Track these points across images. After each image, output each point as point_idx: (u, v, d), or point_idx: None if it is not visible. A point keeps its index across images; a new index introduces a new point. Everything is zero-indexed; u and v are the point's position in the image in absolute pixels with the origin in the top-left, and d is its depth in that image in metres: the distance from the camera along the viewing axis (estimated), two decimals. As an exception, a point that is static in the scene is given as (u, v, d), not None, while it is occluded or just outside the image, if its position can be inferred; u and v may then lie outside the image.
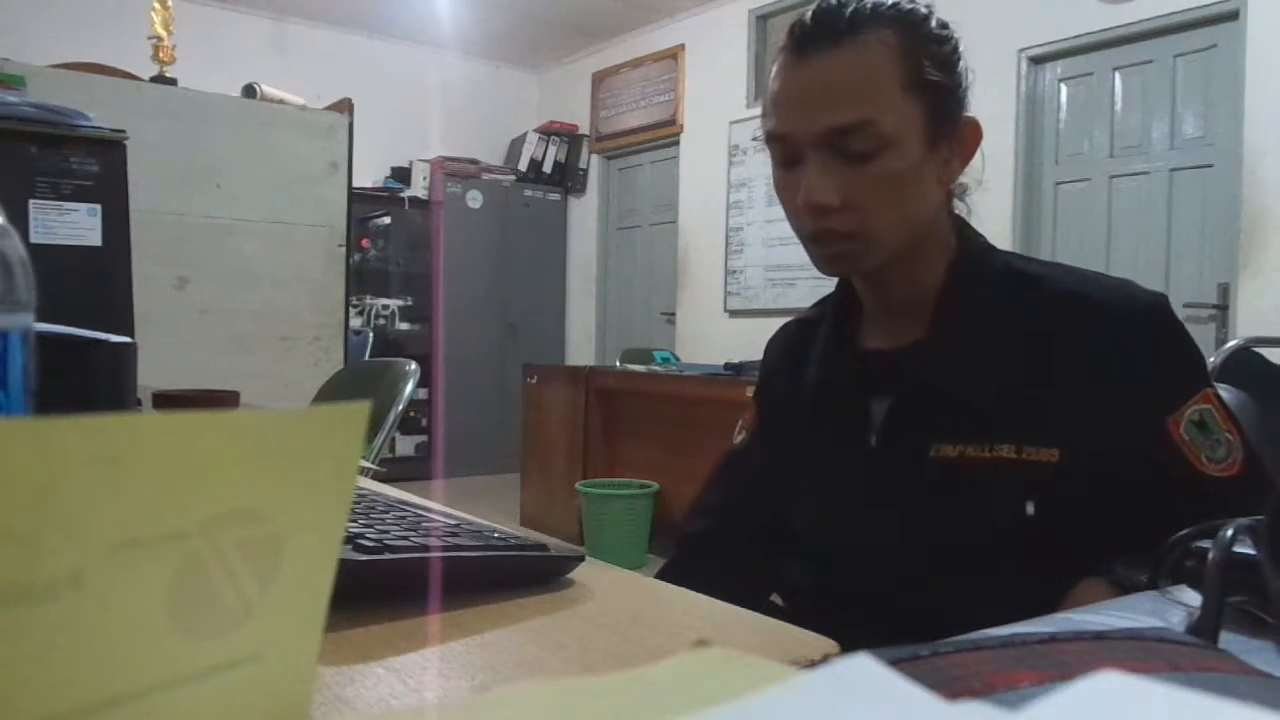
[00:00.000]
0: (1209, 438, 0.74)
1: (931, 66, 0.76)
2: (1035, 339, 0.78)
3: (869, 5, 0.77)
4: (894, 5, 0.78)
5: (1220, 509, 0.73)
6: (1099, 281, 0.80)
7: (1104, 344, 0.75)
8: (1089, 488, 0.74)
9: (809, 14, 0.78)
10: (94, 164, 1.68)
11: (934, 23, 0.79)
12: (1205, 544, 0.47)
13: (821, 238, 0.78)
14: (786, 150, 0.78)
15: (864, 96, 0.74)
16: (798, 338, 0.97)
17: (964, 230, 0.85)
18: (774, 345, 1.03)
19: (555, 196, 6.43)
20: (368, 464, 1.34)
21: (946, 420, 0.78)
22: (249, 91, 3.21)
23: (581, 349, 6.38)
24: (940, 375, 0.79)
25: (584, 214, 6.43)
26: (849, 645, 0.82)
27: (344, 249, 3.23)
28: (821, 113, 0.75)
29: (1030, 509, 0.74)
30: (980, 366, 0.78)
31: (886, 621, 0.80)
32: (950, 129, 0.78)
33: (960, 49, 0.80)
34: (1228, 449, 0.74)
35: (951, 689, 0.28)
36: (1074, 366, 0.76)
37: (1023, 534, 0.75)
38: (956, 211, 0.85)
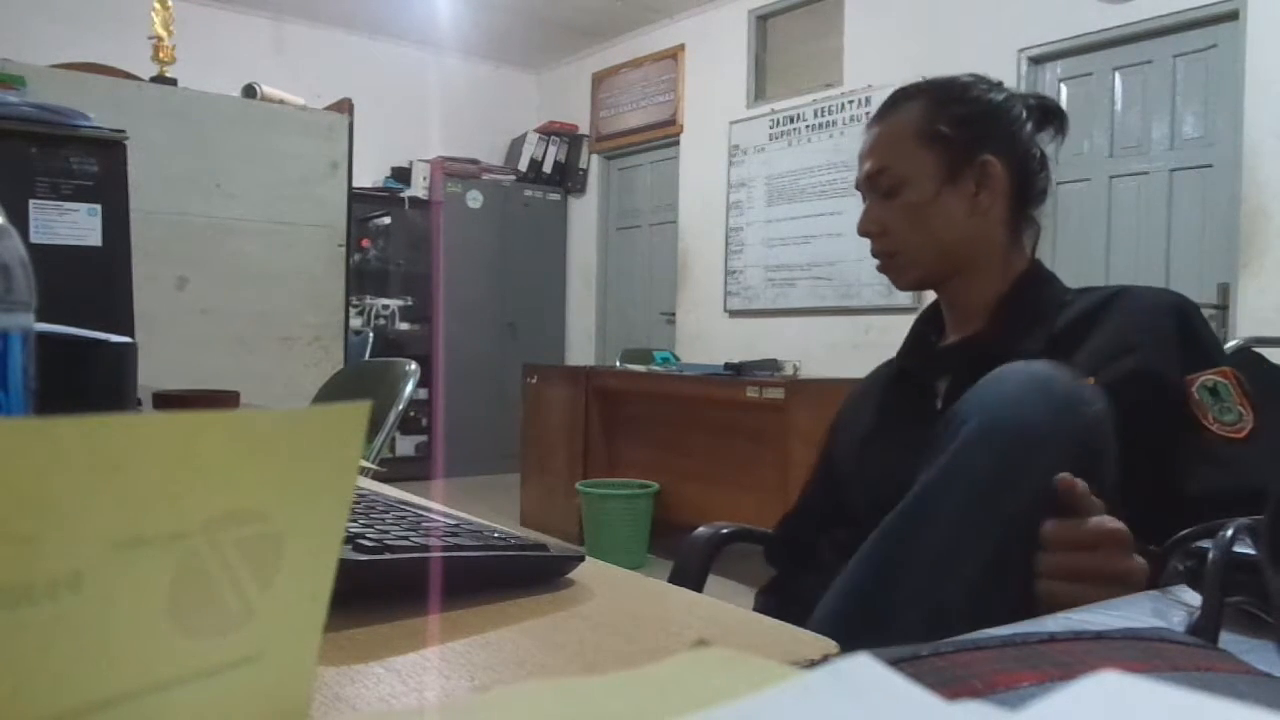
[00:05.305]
0: (1220, 403, 0.82)
1: (945, 123, 0.99)
2: (1081, 318, 0.92)
3: (911, 86, 1.04)
4: (929, 82, 1.04)
5: (1223, 467, 0.79)
6: (1141, 286, 0.97)
7: (1140, 315, 0.89)
8: (1128, 432, 0.81)
9: None
10: (94, 164, 1.68)
11: (957, 90, 1.01)
12: (1205, 544, 0.47)
13: (876, 256, 1.05)
14: (862, 195, 1.06)
15: (885, 150, 1.01)
16: (874, 376, 1.16)
17: (1038, 264, 1.04)
18: (856, 387, 1.19)
19: (555, 196, 6.43)
20: (368, 464, 1.34)
21: None
22: (249, 91, 3.21)
23: (581, 349, 6.38)
24: (994, 344, 0.95)
25: (584, 214, 6.43)
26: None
27: (344, 249, 3.23)
28: (863, 165, 1.04)
29: None
30: (1030, 336, 0.93)
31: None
32: (967, 168, 0.98)
33: (988, 106, 1.01)
34: (1238, 417, 0.81)
35: (952, 689, 0.28)
36: (1113, 331, 0.89)
37: None
38: (1025, 241, 1.04)
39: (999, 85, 1.04)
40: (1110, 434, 0.73)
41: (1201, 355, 0.86)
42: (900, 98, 1.04)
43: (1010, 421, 0.71)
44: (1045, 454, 0.69)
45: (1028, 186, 1.02)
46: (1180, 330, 0.87)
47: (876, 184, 1.02)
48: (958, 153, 0.98)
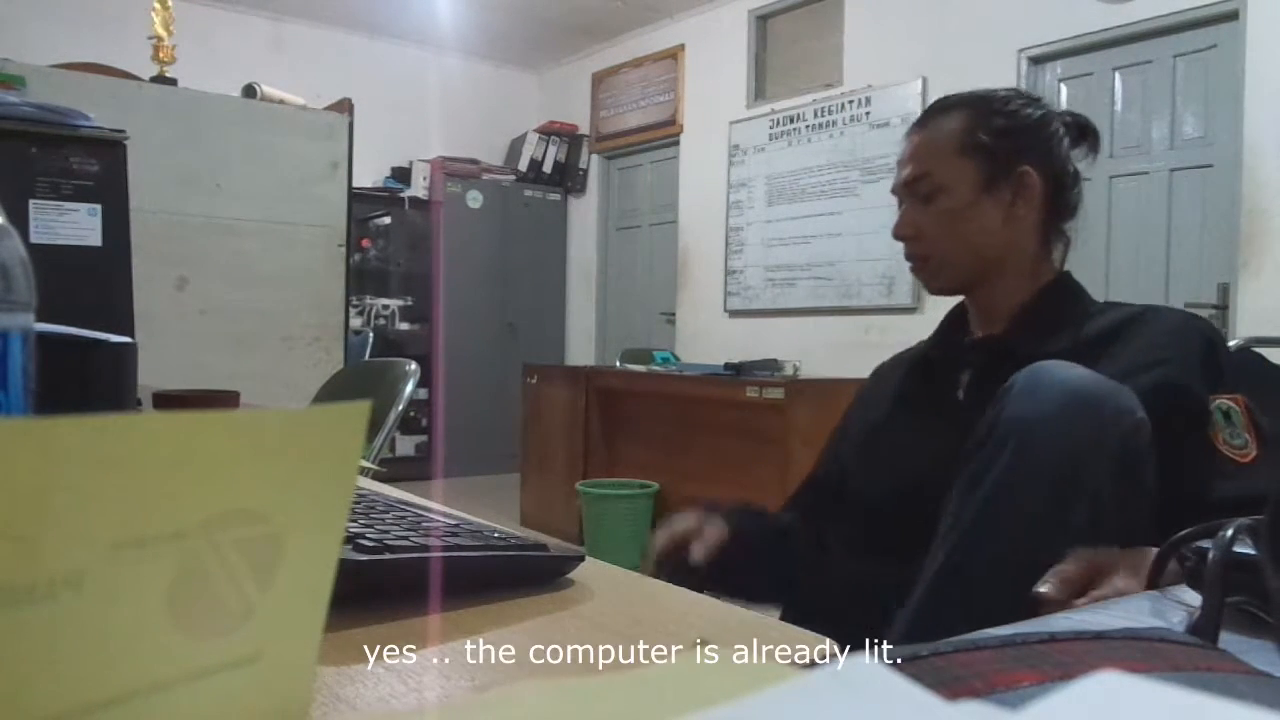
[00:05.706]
0: (1231, 427, 0.85)
1: (985, 134, 1.02)
2: (1109, 330, 0.96)
3: (952, 97, 1.07)
4: (971, 93, 1.07)
5: (1233, 480, 0.81)
6: (1169, 307, 1.00)
7: (1168, 334, 0.92)
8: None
9: None
10: (94, 164, 1.68)
11: (998, 103, 1.04)
12: (1205, 544, 0.47)
13: (909, 259, 1.08)
14: (898, 200, 1.09)
15: (924, 157, 1.04)
16: (895, 362, 1.18)
17: (1067, 275, 1.07)
18: (879, 369, 1.21)
19: (555, 196, 6.43)
20: (368, 464, 1.34)
21: None
22: (249, 91, 3.21)
23: (581, 349, 6.38)
24: (1019, 343, 0.98)
25: (584, 214, 6.43)
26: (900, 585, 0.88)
27: (344, 249, 3.23)
28: (902, 170, 1.07)
29: None
30: (1055, 339, 0.96)
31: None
32: (1005, 178, 1.02)
33: (1029, 120, 1.04)
34: (1245, 443, 0.84)
35: (952, 689, 0.28)
36: (1142, 345, 0.91)
37: None
38: (1054, 252, 1.07)
39: (1038, 100, 1.07)
40: (1149, 438, 0.77)
41: (1220, 378, 0.88)
42: (941, 107, 1.07)
43: (1054, 441, 0.74)
44: (1091, 470, 0.73)
45: (1061, 200, 1.05)
46: (1204, 352, 0.90)
47: (915, 189, 1.05)
48: (997, 163, 1.01)
